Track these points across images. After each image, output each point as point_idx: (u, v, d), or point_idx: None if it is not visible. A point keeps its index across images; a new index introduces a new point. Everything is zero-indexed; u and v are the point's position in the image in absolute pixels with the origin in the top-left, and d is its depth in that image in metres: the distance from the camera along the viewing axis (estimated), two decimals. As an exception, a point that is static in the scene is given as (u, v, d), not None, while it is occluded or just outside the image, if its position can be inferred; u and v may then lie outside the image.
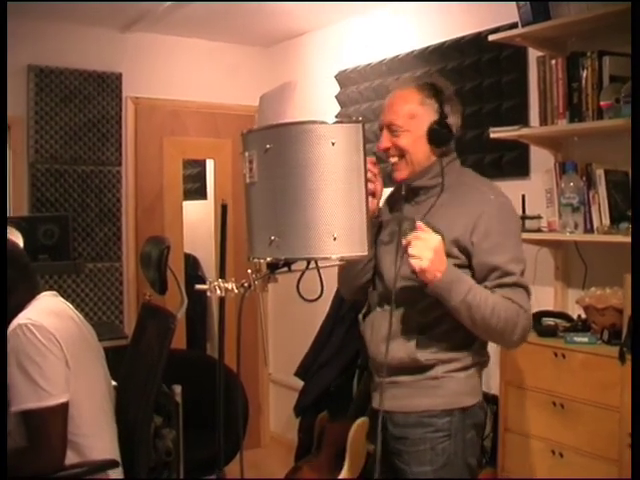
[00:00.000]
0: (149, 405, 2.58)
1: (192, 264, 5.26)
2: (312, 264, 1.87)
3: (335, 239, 1.73)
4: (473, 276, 2.12)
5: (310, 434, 3.88)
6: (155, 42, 4.81)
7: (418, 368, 2.18)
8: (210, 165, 5.30)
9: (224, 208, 2.28)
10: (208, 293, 1.97)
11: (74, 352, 2.36)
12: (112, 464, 2.43)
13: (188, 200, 5.15)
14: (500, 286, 2.08)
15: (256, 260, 1.93)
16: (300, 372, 4.25)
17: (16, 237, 3.54)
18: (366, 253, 1.80)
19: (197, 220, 5.24)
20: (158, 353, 2.63)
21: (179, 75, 4.91)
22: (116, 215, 4.67)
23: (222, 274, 2.07)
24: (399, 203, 2.29)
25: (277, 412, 5.21)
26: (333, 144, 1.74)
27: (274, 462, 4.40)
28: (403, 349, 2.18)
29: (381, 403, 2.12)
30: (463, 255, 2.12)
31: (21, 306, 2.39)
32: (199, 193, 5.48)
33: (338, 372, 3.99)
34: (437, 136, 2.16)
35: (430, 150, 2.19)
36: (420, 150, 2.18)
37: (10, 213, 4.41)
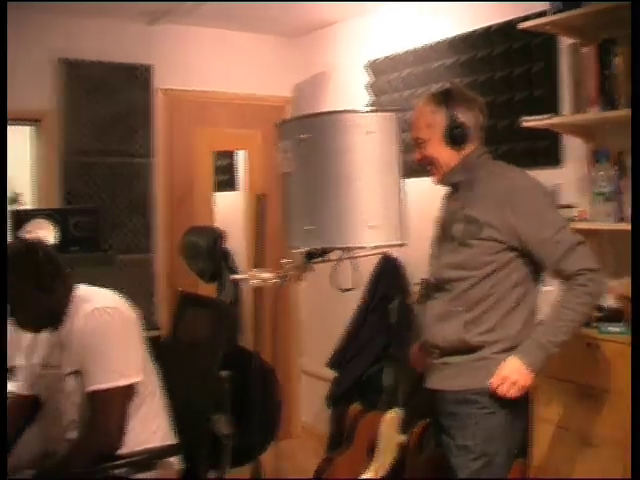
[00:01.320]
0: (206, 392, 2.61)
1: (225, 256, 5.26)
2: (347, 253, 1.87)
3: (371, 228, 1.74)
4: (526, 254, 2.30)
5: (342, 425, 3.89)
6: (185, 34, 4.82)
7: (467, 350, 2.35)
8: (241, 156, 5.31)
9: (261, 199, 2.29)
10: (246, 283, 1.98)
11: (142, 335, 2.45)
12: (173, 450, 2.49)
13: (218, 192, 5.16)
14: (559, 259, 2.27)
15: (293, 250, 1.95)
16: (332, 363, 4.27)
17: (48, 229, 3.58)
18: (402, 242, 1.81)
19: (227, 211, 5.25)
20: (213, 340, 2.64)
21: (209, 66, 4.92)
22: (147, 206, 4.70)
23: (260, 264, 2.08)
24: (445, 201, 2.52)
25: (309, 403, 5.22)
26: (368, 133, 1.75)
27: (305, 453, 4.41)
28: (452, 332, 2.35)
29: (434, 382, 2.44)
30: (507, 237, 2.28)
31: (64, 302, 2.43)
32: (229, 185, 5.49)
33: (369, 363, 4.00)
34: (453, 137, 2.35)
35: (453, 150, 2.39)
36: (443, 153, 2.39)
37: (42, 206, 4.46)
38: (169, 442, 2.50)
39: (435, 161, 2.39)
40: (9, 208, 4.01)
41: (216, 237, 2.82)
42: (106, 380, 2.31)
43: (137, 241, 4.62)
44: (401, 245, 1.84)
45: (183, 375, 2.65)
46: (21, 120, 4.53)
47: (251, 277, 1.98)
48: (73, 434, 2.40)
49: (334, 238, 1.77)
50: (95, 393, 2.31)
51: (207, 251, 2.83)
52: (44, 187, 4.50)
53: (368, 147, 1.75)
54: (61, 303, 2.43)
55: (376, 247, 1.82)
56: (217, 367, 2.60)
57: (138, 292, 4.51)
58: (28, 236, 2.45)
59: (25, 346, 2.60)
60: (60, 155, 4.48)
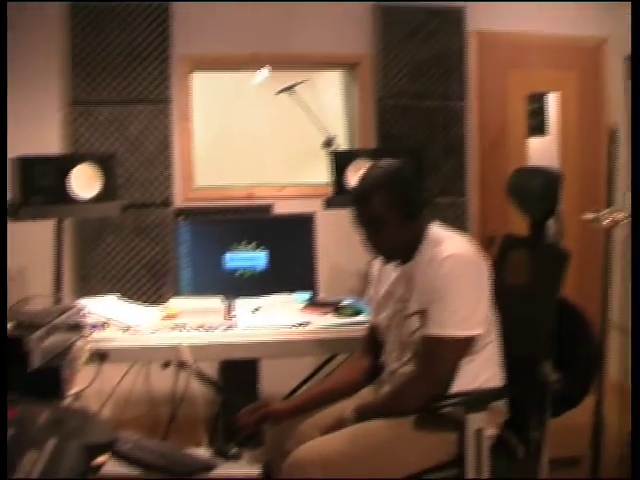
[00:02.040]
0: (537, 337, 2.54)
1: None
2: None
3: None
4: None
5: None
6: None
7: None
8: (552, 99, 5.10)
9: (613, 135, 2.16)
10: (594, 224, 1.89)
11: (490, 285, 2.41)
12: (503, 392, 2.47)
13: (529, 137, 5.01)
14: None
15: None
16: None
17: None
18: None
19: (537, 157, 5.08)
20: (549, 287, 2.57)
21: (521, 7, 4.75)
22: (461, 150, 4.68)
23: (609, 204, 1.98)
24: None
25: (616, 359, 4.97)
26: None
27: (611, 410, 4.22)
28: None
29: None
30: None
31: (419, 237, 2.43)
32: (539, 129, 5.31)
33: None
34: None
35: None
36: None
37: (359, 147, 4.60)
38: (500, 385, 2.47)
39: None
40: (326, 150, 4.16)
41: (556, 178, 2.71)
42: (448, 329, 2.30)
43: (452, 184, 4.62)
44: None
45: (512, 319, 2.59)
46: (337, 65, 4.69)
47: (603, 217, 1.87)
48: (408, 370, 2.44)
49: None
50: (433, 338, 2.32)
51: (545, 191, 2.73)
52: (360, 130, 4.63)
53: None
54: (418, 237, 2.43)
55: None
56: (552, 311, 2.52)
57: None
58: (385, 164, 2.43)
59: (375, 276, 2.67)
60: (377, 98, 4.58)
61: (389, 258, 2.52)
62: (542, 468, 2.61)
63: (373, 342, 2.67)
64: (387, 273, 2.61)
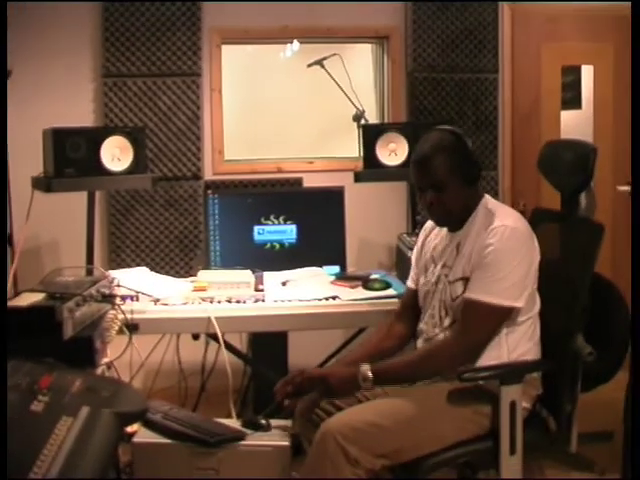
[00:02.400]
0: (572, 310, 2.52)
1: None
2: None
3: None
4: None
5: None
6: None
7: None
8: (587, 72, 5.03)
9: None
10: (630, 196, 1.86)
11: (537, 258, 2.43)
12: (540, 365, 2.48)
13: (562, 110, 4.95)
14: None
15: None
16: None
17: (402, 143, 3.65)
18: None
19: (571, 130, 5.02)
20: (583, 261, 2.55)
21: (556, -22, 4.68)
22: (493, 123, 4.64)
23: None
24: None
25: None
26: None
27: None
28: None
29: None
30: None
31: (473, 205, 2.46)
32: (573, 102, 5.24)
33: None
34: None
35: None
36: None
37: (389, 120, 4.58)
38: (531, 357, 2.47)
39: None
40: (356, 124, 4.15)
41: (589, 151, 2.68)
42: (492, 296, 2.30)
43: (484, 157, 4.58)
44: None
45: (545, 292, 2.58)
46: (368, 37, 4.66)
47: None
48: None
49: None
50: (475, 302, 2.32)
51: (577, 164, 2.70)
52: (391, 103, 4.61)
53: None
54: (473, 205, 2.46)
55: None
56: (586, 285, 2.51)
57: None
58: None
59: (419, 243, 2.70)
60: (408, 71, 4.55)
61: (445, 222, 2.54)
62: (573, 441, 2.60)
63: (410, 308, 2.70)
64: (432, 240, 2.64)
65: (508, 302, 2.32)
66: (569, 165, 2.75)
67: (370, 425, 2.24)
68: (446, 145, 2.41)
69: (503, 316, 2.34)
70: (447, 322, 2.46)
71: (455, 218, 2.49)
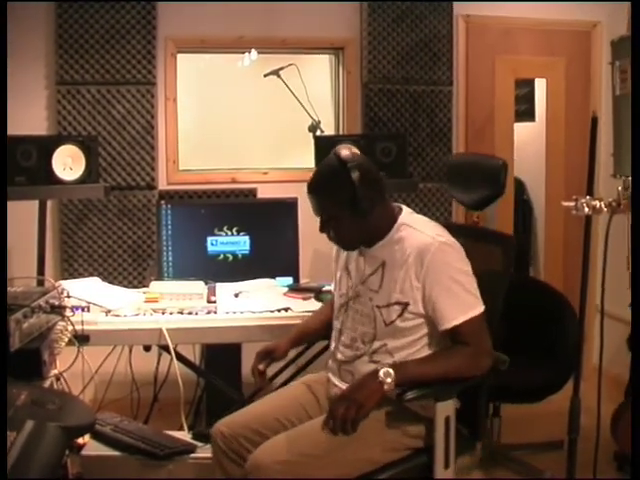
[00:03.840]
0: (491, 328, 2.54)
1: (518, 187, 5.15)
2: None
3: None
4: None
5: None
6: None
7: None
8: (541, 85, 5.11)
9: (594, 122, 2.16)
10: (574, 212, 1.89)
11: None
12: (466, 381, 2.44)
13: (516, 122, 5.01)
14: None
15: (623, 177, 1.82)
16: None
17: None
18: None
19: (524, 143, 5.09)
20: (500, 277, 2.59)
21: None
22: (447, 135, 4.67)
23: (590, 192, 1.98)
24: None
25: (598, 344, 4.99)
26: None
27: (592, 395, 4.25)
28: None
29: None
30: None
31: (385, 226, 2.42)
32: (527, 114, 5.32)
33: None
34: None
35: None
36: None
37: (345, 132, 4.59)
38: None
39: None
40: (313, 134, 4.15)
41: (500, 165, 2.72)
42: (469, 311, 2.32)
43: (437, 169, 4.62)
44: None
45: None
46: (323, 48, 4.67)
47: (580, 205, 1.87)
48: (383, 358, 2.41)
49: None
50: (465, 325, 2.32)
51: (489, 177, 2.74)
52: (346, 114, 4.62)
53: None
54: (380, 227, 2.42)
55: None
56: (502, 294, 2.56)
57: (437, 220, 4.54)
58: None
59: (342, 259, 2.63)
60: (363, 83, 4.57)
61: (348, 248, 2.52)
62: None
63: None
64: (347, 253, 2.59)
65: (481, 306, 2.34)
66: (479, 180, 2.79)
67: (302, 456, 2.22)
68: (330, 178, 2.35)
69: (484, 319, 2.36)
70: (376, 345, 2.42)
71: (354, 244, 2.47)
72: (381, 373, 2.24)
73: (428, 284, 2.31)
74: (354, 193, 2.29)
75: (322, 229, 2.43)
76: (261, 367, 2.59)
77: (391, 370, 2.25)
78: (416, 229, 2.38)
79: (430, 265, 2.30)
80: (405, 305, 2.35)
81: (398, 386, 2.25)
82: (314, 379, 2.66)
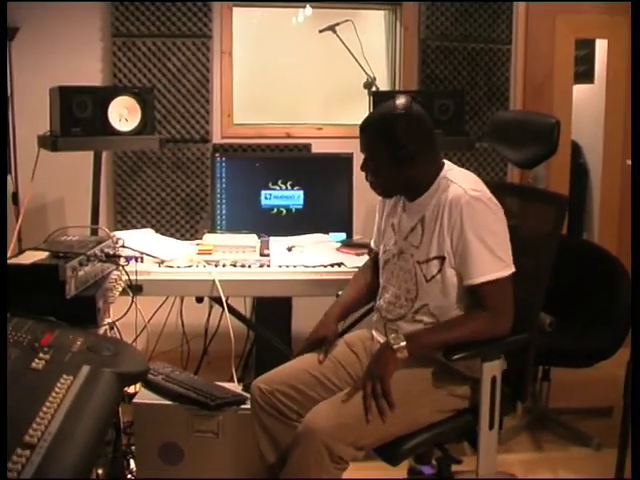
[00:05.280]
0: (539, 289, 2.51)
1: (574, 150, 5.04)
2: None
3: None
4: None
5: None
6: None
7: None
8: (601, 46, 4.97)
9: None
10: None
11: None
12: (513, 342, 2.43)
13: (575, 84, 4.89)
14: None
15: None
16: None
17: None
18: None
19: (581, 106, 4.97)
20: (550, 237, 2.54)
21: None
22: (505, 95, 4.59)
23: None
24: None
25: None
26: None
27: None
28: None
29: None
30: None
31: (428, 181, 2.39)
32: (585, 76, 5.19)
33: None
34: None
35: None
36: None
37: (401, 88, 4.53)
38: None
39: None
40: (368, 90, 4.10)
41: (554, 123, 2.65)
42: (495, 272, 2.27)
43: (493, 128, 4.54)
44: None
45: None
46: (382, 2, 4.60)
47: None
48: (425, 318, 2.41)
49: None
50: (488, 285, 2.28)
51: (543, 137, 2.67)
52: (402, 70, 4.56)
53: None
54: (422, 180, 2.40)
55: None
56: (552, 256, 2.49)
57: (492, 179, 4.47)
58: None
59: (387, 214, 2.62)
60: (421, 39, 4.50)
61: (379, 193, 2.53)
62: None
63: (375, 266, 2.68)
64: (389, 203, 2.59)
65: (509, 269, 2.30)
66: (530, 137, 2.72)
67: (356, 419, 2.21)
68: (379, 120, 2.39)
69: (511, 282, 2.31)
70: (418, 304, 2.41)
71: (394, 192, 2.49)
72: (391, 340, 2.27)
73: (455, 237, 2.29)
74: (397, 140, 2.31)
75: (362, 167, 2.44)
76: (321, 358, 2.51)
77: (401, 335, 2.29)
78: (453, 182, 2.35)
79: (458, 218, 2.28)
80: (442, 259, 2.33)
81: (412, 355, 2.26)
82: (355, 336, 2.66)
